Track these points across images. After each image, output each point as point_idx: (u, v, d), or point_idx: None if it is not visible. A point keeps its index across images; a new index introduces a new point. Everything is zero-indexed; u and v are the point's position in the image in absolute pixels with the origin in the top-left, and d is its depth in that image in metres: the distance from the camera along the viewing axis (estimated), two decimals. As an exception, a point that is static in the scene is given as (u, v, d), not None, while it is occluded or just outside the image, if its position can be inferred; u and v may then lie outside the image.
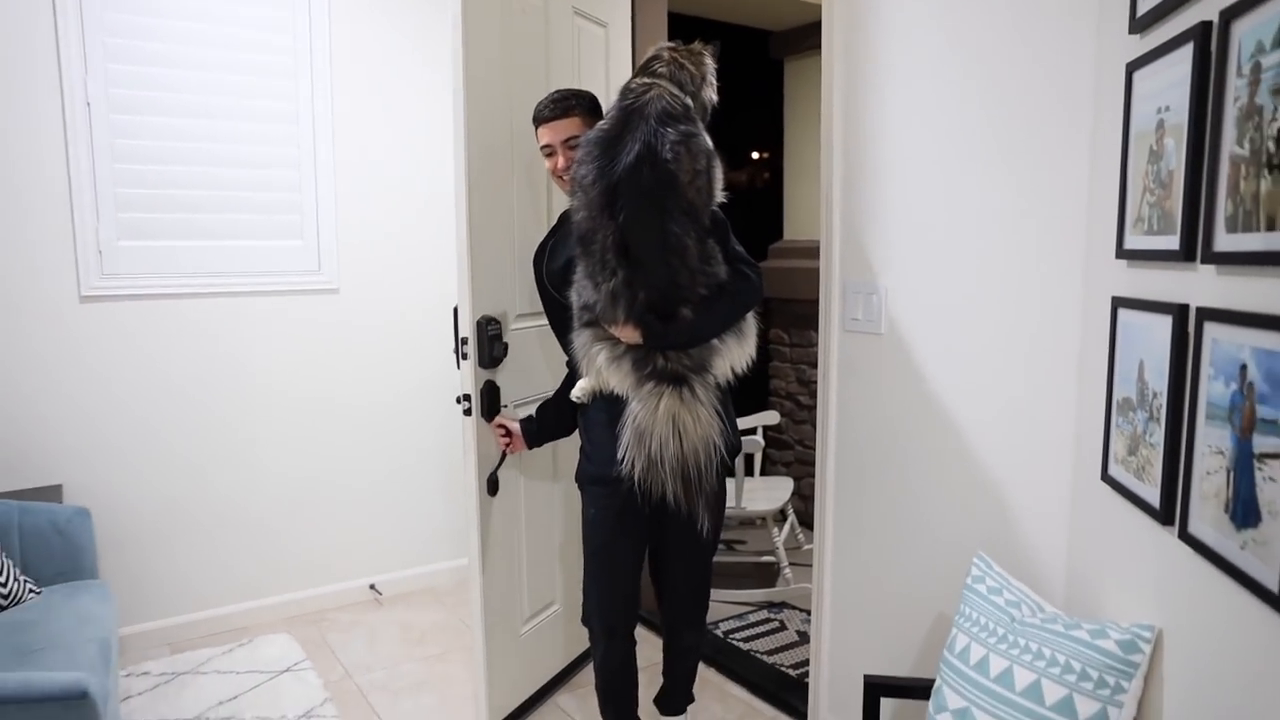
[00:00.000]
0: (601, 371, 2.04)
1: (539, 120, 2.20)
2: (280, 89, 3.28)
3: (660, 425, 1.96)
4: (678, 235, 1.91)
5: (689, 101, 1.95)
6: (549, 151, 2.20)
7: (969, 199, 2.08)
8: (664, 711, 2.50)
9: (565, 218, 2.16)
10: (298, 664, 3.09)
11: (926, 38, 2.13)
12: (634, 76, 2.01)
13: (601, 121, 1.98)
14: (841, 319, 2.42)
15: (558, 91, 2.22)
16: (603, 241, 1.92)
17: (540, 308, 2.39)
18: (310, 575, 3.56)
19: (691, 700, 2.54)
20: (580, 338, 2.07)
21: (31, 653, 2.13)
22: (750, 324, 2.14)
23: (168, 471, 3.22)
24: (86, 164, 2.95)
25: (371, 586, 3.66)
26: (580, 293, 2.01)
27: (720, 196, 2.00)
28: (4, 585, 2.45)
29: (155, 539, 3.21)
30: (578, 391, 2.18)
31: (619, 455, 1.99)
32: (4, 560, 2.50)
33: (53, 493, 2.96)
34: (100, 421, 3.08)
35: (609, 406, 2.10)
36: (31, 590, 2.55)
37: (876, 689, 1.90)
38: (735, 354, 2.09)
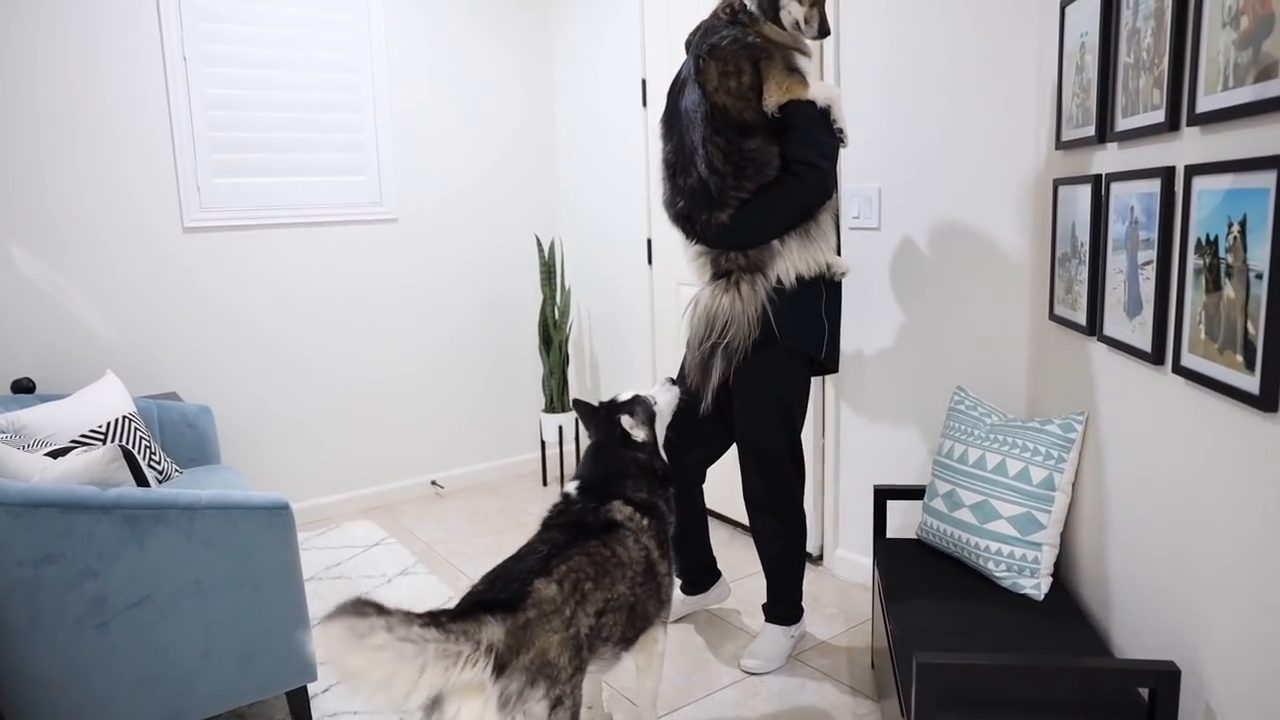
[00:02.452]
0: (689, 266, 2.42)
1: None
2: (342, 40, 3.73)
3: (700, 313, 2.30)
4: (700, 142, 2.15)
5: (741, 5, 2.18)
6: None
7: (942, 117, 2.60)
8: (766, 617, 2.60)
9: None
10: (384, 540, 3.64)
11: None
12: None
13: None
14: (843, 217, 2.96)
15: None
16: (663, 158, 2.32)
17: None
18: (381, 472, 4.09)
19: (792, 614, 2.57)
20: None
21: (204, 504, 2.65)
22: (821, 226, 2.27)
23: (260, 379, 3.72)
24: (184, 111, 3.40)
25: (433, 482, 4.20)
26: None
27: (778, 97, 2.12)
28: (159, 463, 2.96)
29: (253, 437, 3.72)
30: None
31: (688, 335, 2.36)
32: (155, 444, 3.00)
33: (170, 399, 3.44)
34: (204, 337, 3.57)
35: None
36: (176, 470, 3.06)
37: (883, 495, 2.46)
38: (796, 256, 2.23)
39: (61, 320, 3.29)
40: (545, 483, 4.30)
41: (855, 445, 3.03)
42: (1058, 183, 2.18)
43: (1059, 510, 2.02)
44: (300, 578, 2.19)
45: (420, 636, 1.29)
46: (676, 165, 2.27)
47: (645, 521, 1.90)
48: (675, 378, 2.39)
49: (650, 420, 2.09)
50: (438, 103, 4.02)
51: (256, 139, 3.59)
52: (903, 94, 2.71)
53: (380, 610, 1.28)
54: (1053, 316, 2.23)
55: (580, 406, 2.16)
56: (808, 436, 2.70)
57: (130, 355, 3.42)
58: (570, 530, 1.80)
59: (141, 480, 2.09)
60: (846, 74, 2.86)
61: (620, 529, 1.85)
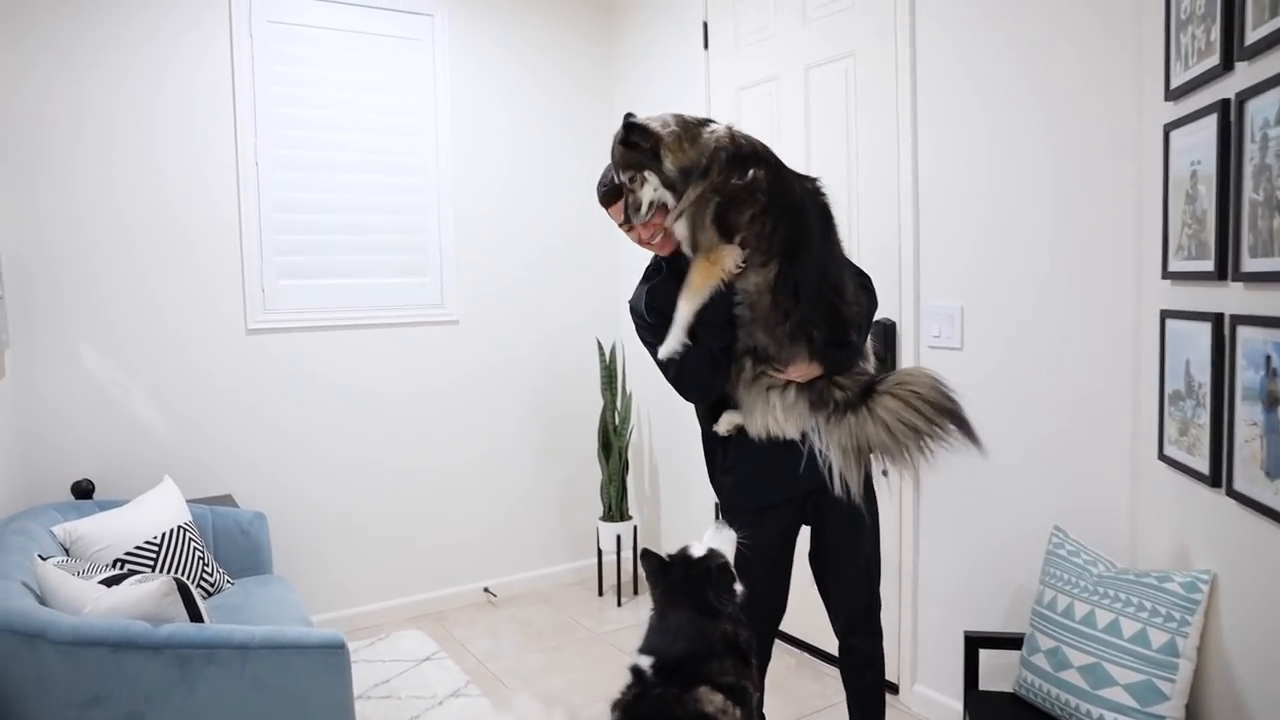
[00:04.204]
0: (778, 419, 2.04)
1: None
2: (409, 145, 3.77)
3: (891, 430, 1.99)
4: (836, 270, 2.01)
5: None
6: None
7: (1031, 233, 2.49)
8: None
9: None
10: (434, 654, 3.49)
11: (999, 102, 2.56)
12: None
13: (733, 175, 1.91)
14: (917, 336, 2.83)
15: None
16: (772, 285, 1.94)
17: None
18: (433, 578, 3.97)
19: None
20: (751, 389, 2.06)
21: (257, 625, 2.55)
22: None
23: (315, 483, 3.66)
24: (253, 214, 3.44)
25: (485, 589, 4.07)
26: (747, 337, 2.00)
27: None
28: (211, 575, 2.88)
29: (305, 541, 3.64)
30: (726, 425, 2.15)
31: (826, 474, 2.02)
32: (209, 555, 2.93)
33: (224, 501, 3.39)
34: (261, 439, 3.54)
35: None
36: (228, 580, 2.98)
37: (976, 642, 2.27)
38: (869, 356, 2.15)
39: (122, 420, 3.28)
40: (601, 592, 4.14)
41: (936, 573, 2.84)
42: (1165, 315, 2.04)
43: (1184, 679, 1.82)
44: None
45: None
46: (796, 291, 1.98)
47: (738, 713, 1.67)
48: (722, 517, 2.22)
49: (734, 580, 1.86)
50: (501, 203, 4.03)
51: (321, 241, 3.61)
52: (987, 208, 2.61)
53: None
54: (1162, 457, 2.06)
55: (652, 560, 1.86)
56: (888, 560, 2.53)
57: (187, 456, 3.39)
58: None
59: (195, 613, 2.01)
60: (926, 185, 2.77)
61: None
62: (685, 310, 1.98)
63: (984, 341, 2.66)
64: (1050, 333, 2.47)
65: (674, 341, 2.01)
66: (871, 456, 2.06)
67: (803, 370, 2.00)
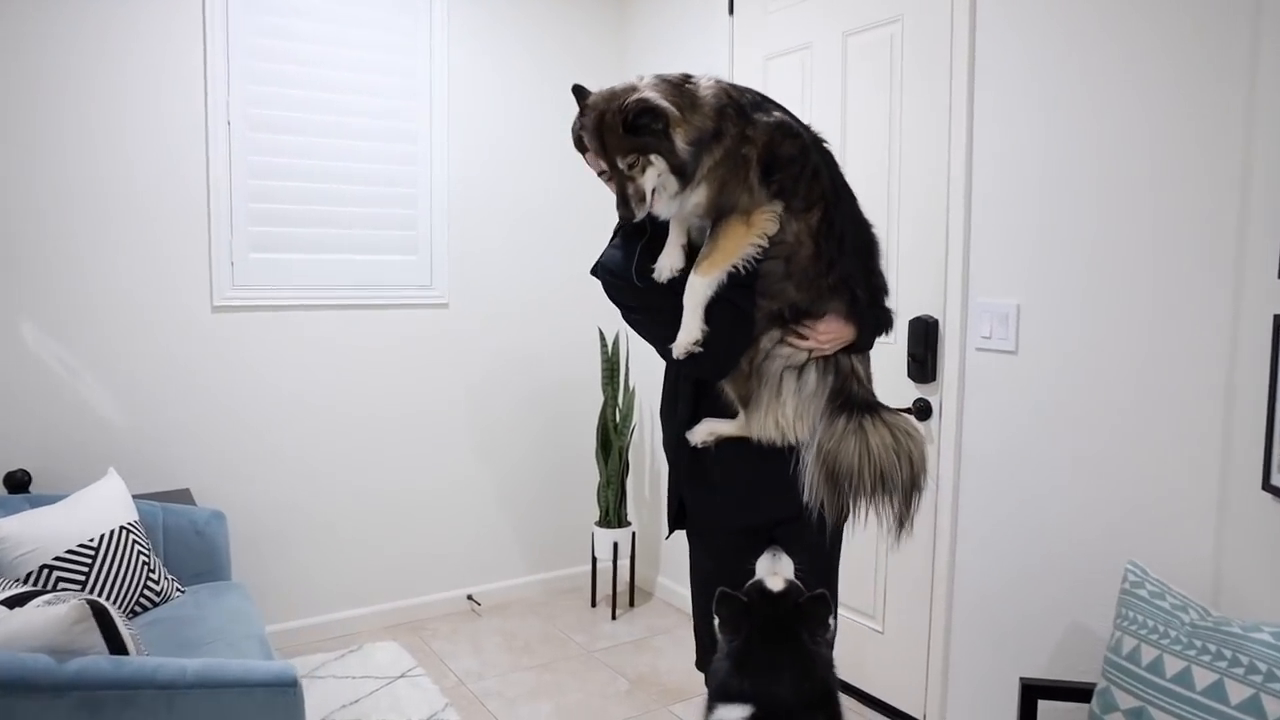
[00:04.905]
0: (787, 416, 1.74)
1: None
2: (400, 110, 3.42)
3: (871, 461, 1.69)
4: (866, 223, 1.81)
5: None
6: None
7: (1103, 223, 2.16)
8: None
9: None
10: (410, 670, 3.16)
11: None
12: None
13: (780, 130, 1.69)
14: (963, 336, 2.51)
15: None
16: (815, 230, 1.69)
17: None
18: (412, 584, 3.64)
19: None
20: (762, 374, 1.75)
21: (201, 646, 2.23)
22: None
23: (285, 478, 3.33)
24: (224, 179, 3.09)
25: (469, 597, 3.74)
26: (776, 297, 1.72)
27: None
28: (157, 583, 2.55)
29: (271, 543, 3.31)
30: (704, 435, 1.85)
31: (806, 497, 1.71)
32: (155, 560, 2.60)
33: (181, 496, 3.06)
34: (225, 428, 3.20)
35: (740, 441, 1.82)
36: (178, 589, 2.65)
37: (1035, 691, 1.96)
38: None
39: (68, 404, 2.93)
40: (594, 603, 3.82)
41: (972, 599, 2.52)
42: (1282, 320, 1.72)
43: (1308, 761, 1.51)
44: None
45: None
46: (842, 241, 1.76)
47: None
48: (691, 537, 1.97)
49: (829, 614, 1.59)
50: (498, 178, 3.69)
51: (299, 212, 3.26)
52: (1054, 195, 2.28)
53: None
54: (1268, 487, 1.75)
55: (730, 604, 1.55)
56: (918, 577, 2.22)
57: (141, 446, 3.05)
58: None
59: (115, 643, 1.67)
60: (982, 168, 2.45)
61: None
62: (705, 285, 1.68)
63: (1043, 345, 2.33)
64: (1122, 338, 2.15)
65: (695, 327, 1.70)
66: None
67: (835, 331, 1.73)
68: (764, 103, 1.72)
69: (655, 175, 1.61)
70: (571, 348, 3.91)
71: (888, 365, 2.72)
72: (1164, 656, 1.71)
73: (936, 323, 2.60)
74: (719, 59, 3.36)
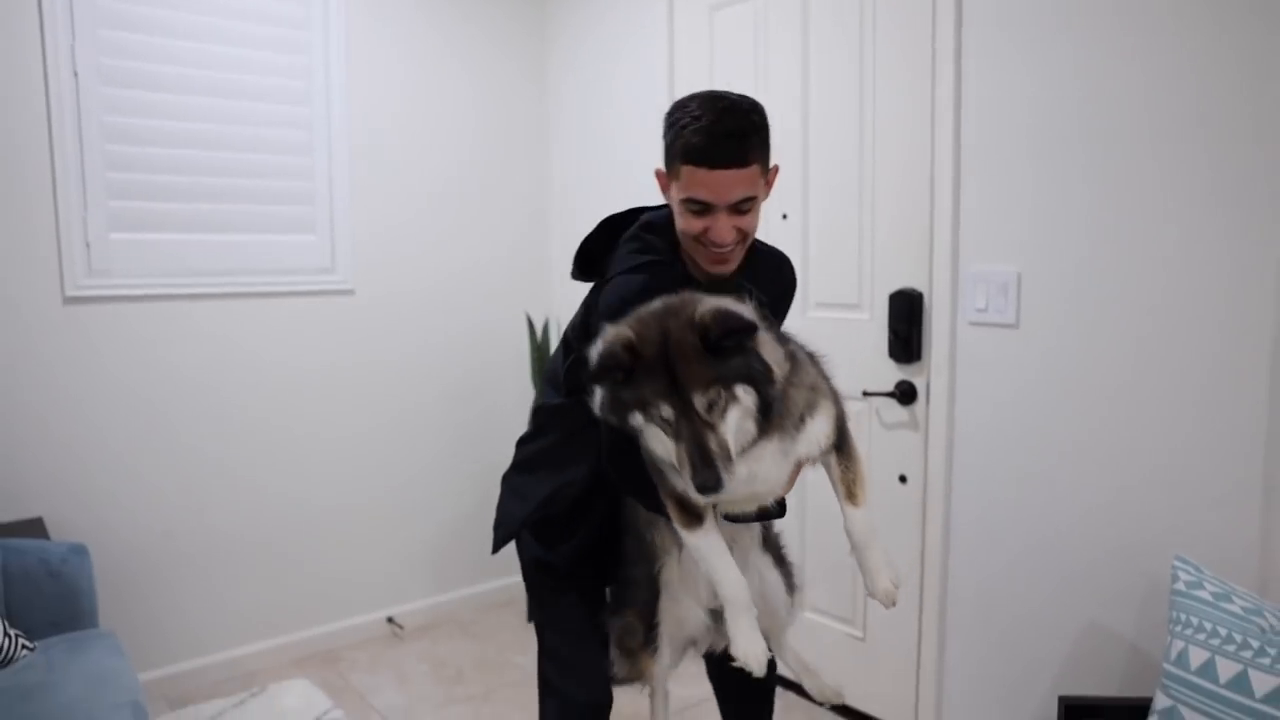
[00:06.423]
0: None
1: (703, 160, 1.40)
2: (290, 66, 2.93)
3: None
4: None
5: None
6: (699, 209, 1.43)
7: (1117, 182, 1.91)
8: None
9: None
10: (326, 713, 2.72)
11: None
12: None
13: None
14: (953, 309, 2.25)
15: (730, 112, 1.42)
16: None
17: None
18: (321, 610, 3.18)
19: None
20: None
21: (53, 725, 1.75)
22: None
23: (160, 501, 2.82)
24: (73, 143, 2.55)
25: (389, 619, 3.31)
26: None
27: None
28: (-3, 642, 2.04)
29: (147, 578, 2.80)
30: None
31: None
32: (-5, 611, 2.09)
33: (33, 526, 2.54)
34: (85, 444, 2.67)
35: None
36: (25, 646, 2.14)
37: (1076, 710, 1.70)
38: None
39: (-122, 423, 2.36)
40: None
41: (966, 594, 2.28)
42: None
43: None
44: None
45: None
46: None
47: None
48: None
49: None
50: (407, 147, 3.25)
51: (170, 183, 2.75)
52: (1058, 152, 2.02)
53: None
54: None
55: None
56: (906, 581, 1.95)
57: (-21, 469, 2.50)
58: None
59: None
60: (971, 123, 2.18)
61: None
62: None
63: (1048, 318, 2.08)
64: (1142, 304, 1.91)
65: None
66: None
67: None
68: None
69: (743, 412, 1.25)
70: (495, 337, 3.51)
71: (865, 345, 2.46)
72: (1249, 671, 1.46)
73: (921, 296, 2.33)
74: (656, 11, 3.01)
